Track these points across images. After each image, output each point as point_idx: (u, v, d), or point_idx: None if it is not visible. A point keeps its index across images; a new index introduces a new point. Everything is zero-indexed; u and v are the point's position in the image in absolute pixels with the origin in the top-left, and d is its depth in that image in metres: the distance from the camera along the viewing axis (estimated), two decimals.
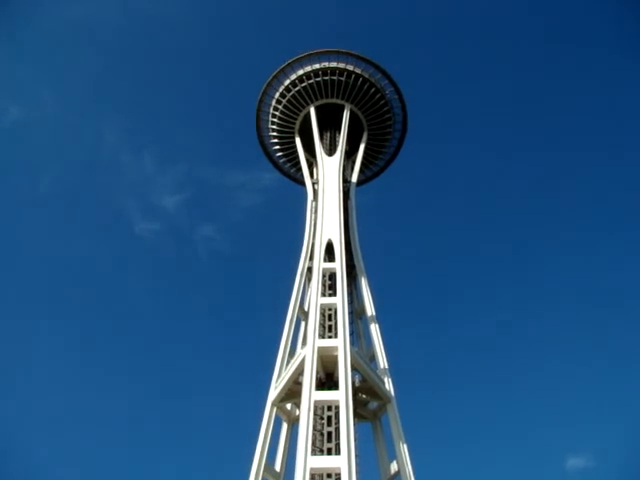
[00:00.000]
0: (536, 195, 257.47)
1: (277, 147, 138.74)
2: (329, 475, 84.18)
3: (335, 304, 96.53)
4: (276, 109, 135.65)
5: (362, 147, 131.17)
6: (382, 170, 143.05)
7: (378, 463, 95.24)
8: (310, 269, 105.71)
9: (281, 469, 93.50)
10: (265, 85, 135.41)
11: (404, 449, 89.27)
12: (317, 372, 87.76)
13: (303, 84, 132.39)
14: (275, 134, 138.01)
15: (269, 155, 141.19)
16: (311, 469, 77.30)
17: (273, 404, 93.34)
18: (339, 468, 76.92)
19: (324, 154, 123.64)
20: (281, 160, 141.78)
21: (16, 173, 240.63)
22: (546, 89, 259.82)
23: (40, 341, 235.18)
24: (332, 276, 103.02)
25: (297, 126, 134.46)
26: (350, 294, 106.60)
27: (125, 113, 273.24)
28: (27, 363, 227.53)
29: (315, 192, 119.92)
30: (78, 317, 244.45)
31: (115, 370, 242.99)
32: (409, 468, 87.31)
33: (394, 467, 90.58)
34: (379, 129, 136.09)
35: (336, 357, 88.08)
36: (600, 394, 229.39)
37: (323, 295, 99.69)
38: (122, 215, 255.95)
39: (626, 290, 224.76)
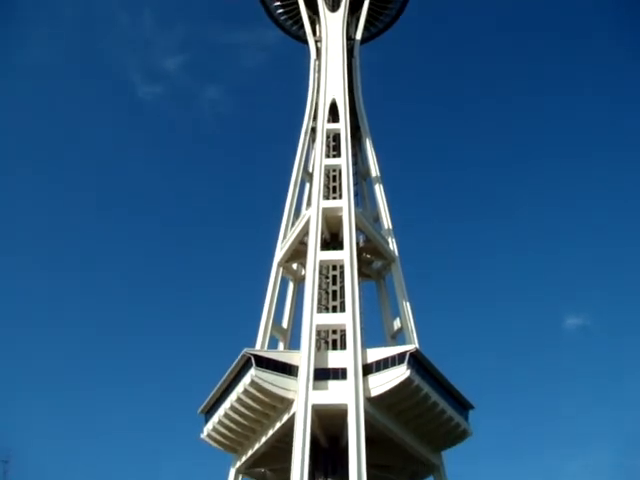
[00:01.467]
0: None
1: (278, 3, 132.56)
2: (334, 331, 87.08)
3: (339, 165, 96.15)
4: None
5: (367, 1, 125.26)
6: (388, 27, 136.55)
7: (382, 320, 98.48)
8: (314, 130, 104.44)
9: (288, 326, 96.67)
10: None
11: (407, 307, 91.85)
12: (322, 232, 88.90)
13: None
14: None
15: (269, 11, 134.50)
16: (317, 326, 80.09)
17: (279, 264, 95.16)
18: (344, 325, 79.73)
19: (327, 10, 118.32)
20: (282, 17, 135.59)
21: (7, 38, 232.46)
22: None
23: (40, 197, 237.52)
24: (336, 137, 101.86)
25: None
26: (354, 155, 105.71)
27: None
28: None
29: (318, 50, 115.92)
30: (82, 183, 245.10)
31: (117, 233, 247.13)
32: (412, 324, 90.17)
33: (397, 324, 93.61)
34: None
35: (341, 218, 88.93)
36: (601, 252, 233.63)
37: (327, 156, 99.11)
38: (124, 79, 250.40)
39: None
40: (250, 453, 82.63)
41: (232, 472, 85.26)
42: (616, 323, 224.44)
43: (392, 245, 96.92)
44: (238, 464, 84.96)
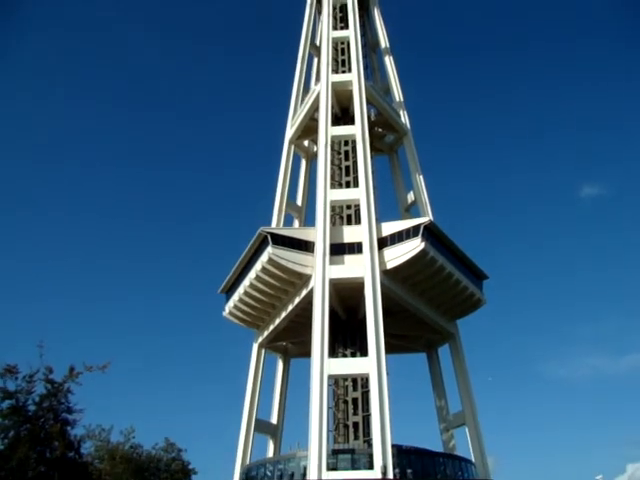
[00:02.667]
0: None
1: None
2: (348, 207, 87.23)
3: (347, 37, 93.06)
4: None
5: None
6: None
7: (395, 194, 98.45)
8: (320, 1, 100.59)
9: (302, 204, 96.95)
10: None
11: (420, 179, 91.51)
12: (332, 107, 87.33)
13: None
14: None
15: None
16: (331, 202, 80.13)
17: (290, 142, 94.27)
18: (358, 200, 79.77)
19: None
20: None
21: None
22: None
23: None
24: (343, 7, 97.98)
25: None
26: (363, 26, 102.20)
27: None
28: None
29: None
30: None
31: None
32: (425, 197, 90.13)
33: (411, 197, 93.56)
34: None
35: (351, 92, 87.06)
36: (621, 122, 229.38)
37: (335, 28, 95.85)
38: None
39: None
40: (271, 328, 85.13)
41: (255, 347, 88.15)
42: (632, 193, 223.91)
43: (404, 118, 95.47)
44: (260, 339, 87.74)
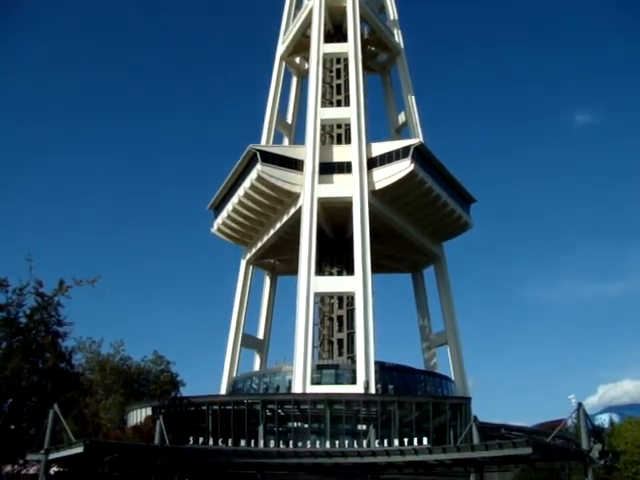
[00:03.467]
0: None
1: None
2: (339, 126, 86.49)
3: None
4: None
5: None
6: None
7: (386, 114, 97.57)
8: None
9: (293, 122, 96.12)
10: None
11: (412, 100, 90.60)
12: (325, 24, 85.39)
13: None
14: None
15: None
16: (322, 120, 79.55)
17: (282, 58, 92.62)
18: (348, 119, 79.25)
19: None
20: None
21: None
22: None
23: None
24: None
25: None
26: None
27: None
28: None
29: None
30: None
31: None
32: (416, 118, 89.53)
33: (402, 118, 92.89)
34: None
35: (344, 8, 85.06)
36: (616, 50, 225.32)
37: None
38: None
39: None
40: (259, 245, 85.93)
41: (243, 263, 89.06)
42: (624, 123, 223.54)
43: (398, 37, 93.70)
44: (248, 256, 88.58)
